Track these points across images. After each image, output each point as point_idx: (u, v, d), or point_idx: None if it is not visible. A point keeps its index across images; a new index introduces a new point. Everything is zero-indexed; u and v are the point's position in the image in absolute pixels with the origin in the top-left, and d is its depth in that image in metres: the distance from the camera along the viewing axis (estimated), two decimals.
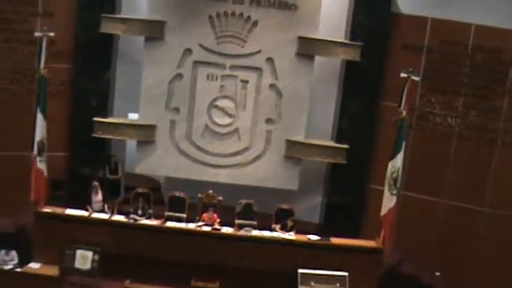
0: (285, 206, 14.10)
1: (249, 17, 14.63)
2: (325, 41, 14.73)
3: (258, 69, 14.84)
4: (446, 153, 14.88)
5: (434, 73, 14.77)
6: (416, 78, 13.42)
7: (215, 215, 13.77)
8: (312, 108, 15.12)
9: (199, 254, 13.50)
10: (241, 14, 14.62)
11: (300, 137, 15.00)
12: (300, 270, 13.26)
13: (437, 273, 14.20)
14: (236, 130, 15.04)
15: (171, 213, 13.84)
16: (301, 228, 14.11)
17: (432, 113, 14.92)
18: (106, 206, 13.78)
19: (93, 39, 14.73)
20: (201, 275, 13.01)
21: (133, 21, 14.72)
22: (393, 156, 13.49)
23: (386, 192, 13.61)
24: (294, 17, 14.66)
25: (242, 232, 13.75)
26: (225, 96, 14.95)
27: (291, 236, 13.79)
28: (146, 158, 15.08)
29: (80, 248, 13.26)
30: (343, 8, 15.14)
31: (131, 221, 13.67)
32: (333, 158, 15.10)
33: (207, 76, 14.86)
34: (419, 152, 14.88)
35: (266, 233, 13.78)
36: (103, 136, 14.94)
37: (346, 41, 14.89)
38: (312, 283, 13.22)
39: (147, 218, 13.74)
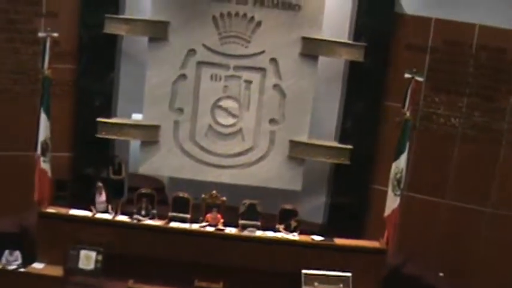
0: (288, 207, 14.11)
1: (252, 18, 14.63)
2: (329, 41, 14.73)
3: (261, 70, 14.84)
4: (450, 153, 14.87)
5: (438, 73, 14.76)
6: (420, 79, 13.44)
7: (219, 216, 13.78)
8: (315, 109, 15.12)
9: (203, 255, 13.51)
10: (244, 15, 14.62)
11: (304, 138, 15.00)
12: (304, 271, 13.25)
13: (441, 274, 14.20)
14: (240, 130, 15.05)
15: (174, 214, 13.86)
16: (305, 228, 14.12)
17: (436, 114, 14.91)
18: (110, 207, 13.78)
19: (96, 40, 14.75)
20: (205, 275, 13.00)
21: (137, 22, 14.74)
22: (397, 156, 13.50)
23: (390, 193, 13.61)
24: (298, 17, 14.66)
25: (246, 232, 13.75)
26: (228, 97, 14.95)
27: (294, 236, 13.79)
28: (150, 158, 15.09)
29: (84, 248, 13.28)
30: (347, 8, 15.13)
31: (135, 221, 13.68)
32: (337, 159, 15.10)
33: (211, 76, 14.86)
34: (423, 153, 14.87)
35: (270, 234, 13.79)
36: (107, 136, 14.96)
37: (350, 42, 14.89)
38: (316, 283, 13.21)
39: (150, 219, 13.75)
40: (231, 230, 13.75)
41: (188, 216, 13.86)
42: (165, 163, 15.11)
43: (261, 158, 15.11)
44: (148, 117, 14.98)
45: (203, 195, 14.01)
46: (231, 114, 14.98)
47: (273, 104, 14.97)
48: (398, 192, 13.48)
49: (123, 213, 13.87)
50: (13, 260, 13.05)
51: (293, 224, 13.88)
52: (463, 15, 14.42)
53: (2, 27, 14.71)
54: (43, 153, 13.53)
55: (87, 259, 13.23)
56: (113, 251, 13.22)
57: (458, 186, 14.82)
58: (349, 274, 13.28)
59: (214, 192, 14.02)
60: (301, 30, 14.68)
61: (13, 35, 14.83)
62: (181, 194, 14.04)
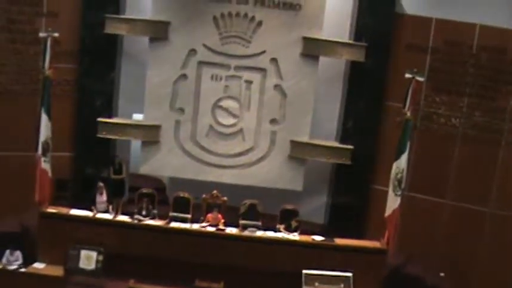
0: (289, 207, 14.11)
1: (253, 18, 14.64)
2: (330, 41, 14.73)
3: (262, 70, 14.84)
4: (450, 153, 14.87)
5: (439, 73, 14.76)
6: (420, 79, 13.44)
7: (219, 216, 13.79)
8: (316, 109, 15.12)
9: (204, 255, 13.52)
10: (245, 15, 14.62)
11: (305, 138, 15.00)
12: (304, 271, 13.27)
13: (442, 274, 14.18)
14: (240, 130, 15.05)
15: (175, 214, 13.88)
16: (306, 228, 14.14)
17: (437, 114, 14.91)
18: (110, 208, 13.79)
19: (97, 40, 14.76)
20: (205, 275, 13.01)
21: (137, 22, 14.74)
22: (398, 156, 13.50)
23: (390, 193, 13.61)
24: (298, 17, 14.66)
25: (246, 232, 13.76)
26: (229, 97, 14.96)
27: (295, 236, 13.80)
28: (151, 158, 15.10)
29: (85, 248, 13.30)
30: (348, 8, 15.13)
31: (135, 221, 13.70)
32: (338, 159, 15.10)
33: (212, 76, 14.87)
34: (423, 153, 14.87)
35: (270, 234, 13.80)
36: (107, 136, 14.97)
37: (351, 42, 14.89)
38: (316, 283, 13.21)
39: (151, 219, 13.77)
40: (231, 230, 13.76)
41: (189, 216, 13.87)
42: (165, 163, 15.12)
43: (262, 158, 15.12)
44: (149, 117, 14.99)
45: (204, 195, 14.02)
46: (232, 114, 14.98)
47: (274, 104, 14.97)
48: (399, 192, 13.48)
49: (123, 213, 13.89)
50: (14, 260, 13.07)
51: (294, 224, 13.89)
52: (464, 15, 14.42)
53: (3, 27, 14.72)
54: (44, 153, 13.55)
55: (88, 259, 13.25)
56: (113, 251, 13.23)
57: (459, 186, 14.82)
58: (349, 274, 13.30)
59: (215, 192, 14.03)
60: (301, 30, 14.68)
61: (14, 35, 14.84)
62: (182, 194, 14.06)
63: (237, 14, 14.63)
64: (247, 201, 14.02)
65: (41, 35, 13.65)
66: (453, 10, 14.44)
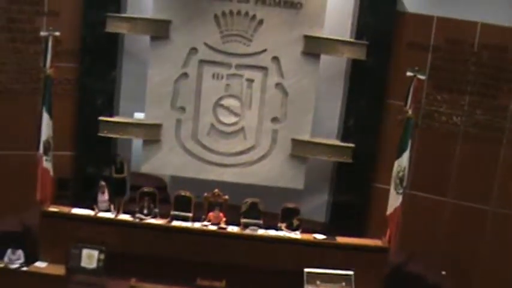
0: (290, 205, 14.12)
1: (254, 16, 14.63)
2: (331, 39, 14.73)
3: (263, 68, 14.84)
4: (452, 151, 14.87)
5: (440, 72, 14.76)
6: (422, 77, 13.44)
7: (221, 214, 13.78)
8: (317, 107, 15.13)
9: (205, 253, 13.52)
10: (246, 13, 14.61)
11: (306, 136, 15.00)
12: (306, 269, 13.26)
13: (443, 272, 14.18)
14: (242, 129, 15.05)
15: (176, 213, 13.89)
16: (307, 227, 14.14)
17: (438, 112, 14.91)
18: (112, 207, 13.79)
19: (99, 39, 14.75)
20: (207, 273, 13.01)
21: (138, 20, 14.74)
22: (399, 155, 13.50)
23: (392, 191, 13.61)
24: (299, 15, 14.65)
25: (248, 231, 13.76)
26: (230, 95, 14.95)
27: (296, 235, 13.80)
28: (152, 157, 15.09)
29: (86, 247, 13.30)
30: (349, 6, 15.14)
31: (137, 220, 13.70)
32: (339, 157, 15.10)
33: (213, 75, 14.87)
34: (425, 151, 14.87)
35: (272, 232, 13.80)
36: (109, 135, 14.96)
37: (352, 40, 14.89)
38: (318, 282, 13.21)
39: (152, 217, 13.77)
40: (233, 229, 13.76)
41: (190, 214, 13.89)
42: (167, 162, 15.11)
43: (263, 157, 15.11)
44: (150, 116, 14.98)
45: (205, 194, 14.04)
46: (233, 112, 14.97)
47: (275, 103, 14.97)
48: (400, 191, 13.48)
49: (125, 212, 13.89)
50: (15, 259, 13.07)
51: (295, 222, 13.89)
52: (465, 14, 14.42)
53: (4, 26, 14.72)
54: (45, 152, 13.53)
55: (90, 258, 13.25)
56: (115, 249, 13.24)
57: (460, 184, 14.82)
58: (351, 272, 13.30)
59: (216, 190, 14.04)
60: (303, 29, 14.67)
61: (15, 34, 14.84)
62: (183, 193, 14.08)
63: (238, 13, 14.62)
64: (249, 200, 14.04)
65: (42, 34, 13.64)
66: (454, 8, 14.44)
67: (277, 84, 14.90)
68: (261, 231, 13.77)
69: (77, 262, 13.24)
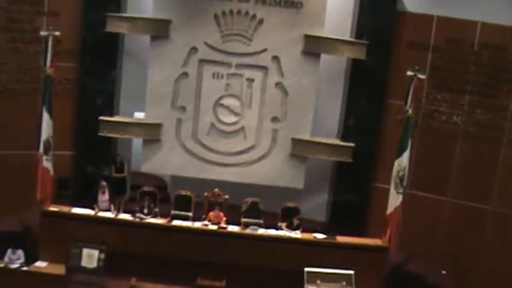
0: (290, 205, 14.11)
1: (254, 16, 14.63)
2: (331, 39, 14.73)
3: (263, 68, 14.84)
4: (452, 151, 14.87)
5: (440, 71, 14.77)
6: (422, 77, 13.44)
7: (221, 214, 13.79)
8: (317, 107, 15.13)
9: (205, 253, 13.52)
10: (246, 13, 14.61)
11: (306, 136, 15.00)
12: (306, 269, 13.25)
13: (444, 272, 14.18)
14: (242, 128, 15.04)
15: (177, 212, 13.89)
16: (307, 226, 14.14)
17: (438, 111, 14.91)
18: (112, 206, 13.78)
19: (99, 38, 14.75)
20: (207, 273, 13.01)
21: (138, 20, 14.74)
22: (399, 154, 13.50)
23: (392, 191, 13.61)
24: (300, 15, 14.65)
25: (248, 230, 13.76)
26: (230, 95, 14.95)
27: (297, 234, 13.80)
28: (152, 156, 15.09)
29: (86, 247, 13.29)
30: (349, 6, 15.14)
31: (137, 219, 13.70)
32: (339, 157, 15.09)
33: (213, 74, 14.86)
34: (425, 150, 14.87)
35: (272, 232, 13.80)
36: (109, 135, 14.96)
37: (352, 40, 14.88)
38: (318, 281, 13.20)
39: (153, 217, 13.76)
40: (233, 228, 13.76)
41: (190, 214, 13.89)
42: (167, 161, 15.11)
43: (263, 156, 15.11)
44: (150, 115, 14.98)
45: (205, 194, 14.03)
46: (233, 112, 14.97)
47: (275, 102, 14.96)
48: (400, 190, 13.48)
49: (125, 212, 13.89)
50: (16, 259, 13.06)
51: (295, 222, 13.89)
52: (465, 13, 14.42)
53: (4, 26, 14.72)
54: (45, 152, 13.53)
55: (90, 257, 13.25)
56: (115, 249, 13.24)
57: (461, 184, 14.82)
58: (351, 272, 13.29)
59: (216, 190, 14.04)
60: (303, 28, 14.67)
61: (15, 34, 14.84)
62: (183, 192, 14.08)
63: (238, 12, 14.62)
64: (249, 199, 14.04)
65: (42, 33, 13.64)
66: (454, 8, 14.44)
67: (277, 84, 14.90)
68: (261, 231, 13.77)
69: (77, 262, 13.24)
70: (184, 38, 14.70)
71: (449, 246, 14.82)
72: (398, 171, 13.47)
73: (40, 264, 13.27)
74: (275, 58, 14.78)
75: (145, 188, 14.03)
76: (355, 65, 14.97)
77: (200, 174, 15.03)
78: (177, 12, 14.62)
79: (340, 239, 13.86)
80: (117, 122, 15.00)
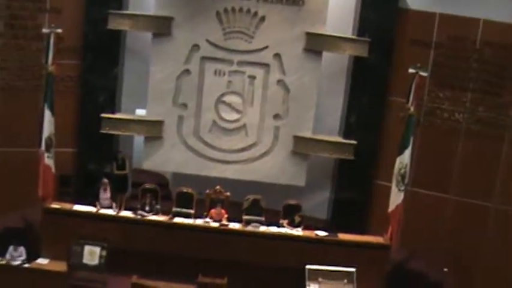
0: (292, 202, 14.10)
1: (256, 13, 14.62)
2: (333, 36, 14.72)
3: (265, 65, 14.83)
4: (454, 148, 14.85)
5: (442, 69, 14.74)
6: (424, 74, 13.42)
7: (223, 211, 13.79)
8: (319, 104, 15.13)
9: (207, 250, 13.52)
10: (248, 10, 14.61)
11: (308, 133, 15.00)
12: (308, 266, 13.24)
13: (445, 269, 14.17)
14: (244, 126, 15.05)
15: (178, 209, 13.88)
16: (309, 224, 14.14)
17: (440, 109, 14.89)
18: (114, 204, 13.79)
19: (101, 36, 14.77)
20: (209, 270, 12.99)
21: (140, 17, 14.75)
22: (401, 151, 13.48)
23: (394, 188, 13.60)
24: (301, 12, 14.64)
25: (250, 228, 13.75)
26: (232, 92, 14.95)
27: (298, 231, 13.79)
28: (154, 153, 15.10)
29: (88, 244, 13.29)
30: (351, 3, 15.14)
31: (139, 216, 13.70)
32: (341, 154, 15.10)
33: (215, 72, 14.86)
34: (427, 148, 14.85)
35: (274, 229, 13.79)
36: (110, 132, 14.99)
37: (354, 37, 14.88)
38: (320, 279, 13.20)
39: (154, 214, 13.77)
40: (234, 226, 13.76)
41: (192, 211, 13.87)
42: (169, 158, 15.12)
43: (265, 154, 15.12)
44: (152, 112, 14.99)
45: (207, 191, 14.02)
46: (235, 109, 14.98)
47: (277, 100, 14.96)
48: (402, 188, 13.47)
49: (127, 209, 13.90)
50: (17, 256, 13.07)
51: (297, 219, 13.88)
52: (467, 10, 14.40)
53: (6, 23, 14.73)
54: (47, 149, 13.54)
55: (91, 254, 13.25)
56: (116, 246, 13.23)
57: (463, 181, 14.80)
58: (353, 269, 13.27)
59: (218, 187, 14.03)
60: (305, 26, 14.66)
61: (17, 31, 14.86)
62: (185, 190, 14.06)
63: (240, 10, 14.62)
64: (251, 197, 14.02)
65: (44, 31, 13.65)
66: (457, 5, 14.42)
67: (279, 81, 14.90)
68: (262, 228, 13.76)
69: (79, 259, 13.24)
70: (186, 35, 14.70)
71: (451, 243, 14.81)
72: (400, 169, 13.46)
73: (42, 261, 13.27)
74: (277, 55, 14.78)
75: (147, 185, 14.02)
76: (357, 63, 14.96)
77: (202, 172, 15.04)
78: (179, 10, 14.62)
79: (342, 236, 13.85)
80: (119, 119, 15.02)
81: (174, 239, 13.54)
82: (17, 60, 14.91)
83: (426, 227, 14.85)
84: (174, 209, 13.86)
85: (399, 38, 14.80)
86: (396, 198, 13.52)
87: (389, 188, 13.76)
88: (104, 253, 13.23)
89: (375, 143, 15.09)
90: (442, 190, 14.94)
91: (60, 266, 13.08)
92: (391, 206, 13.59)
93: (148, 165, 15.28)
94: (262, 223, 13.83)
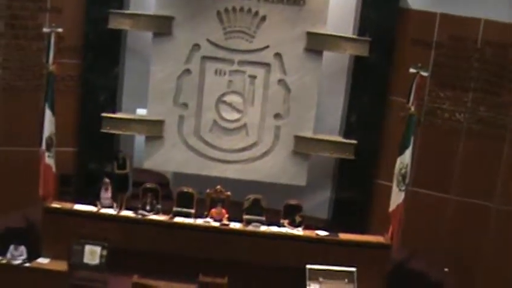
0: (293, 202, 14.11)
1: (257, 12, 14.62)
2: (334, 36, 14.73)
3: (266, 65, 14.83)
4: (454, 148, 14.84)
5: (443, 68, 14.74)
6: (425, 74, 13.41)
7: (223, 211, 13.79)
8: (320, 104, 15.12)
9: (207, 249, 13.52)
10: (249, 10, 14.61)
11: (308, 133, 14.99)
12: (308, 266, 13.23)
13: (446, 269, 14.16)
14: (244, 125, 15.05)
15: (179, 209, 13.88)
16: (309, 223, 14.14)
17: (441, 109, 14.88)
18: (115, 204, 13.79)
19: (101, 35, 14.78)
20: (209, 270, 12.98)
21: (141, 17, 14.75)
22: (401, 151, 13.48)
23: (394, 188, 13.60)
24: (302, 12, 14.65)
25: (250, 227, 13.75)
26: (233, 92, 14.95)
27: (299, 231, 13.79)
28: (154, 153, 15.10)
29: (89, 243, 13.28)
30: (351, 3, 15.14)
31: (139, 216, 13.70)
32: (341, 154, 15.10)
33: (215, 71, 14.86)
34: (427, 148, 14.85)
35: (274, 229, 13.79)
36: (111, 131, 14.99)
37: (355, 37, 14.88)
38: (320, 278, 13.19)
39: (155, 214, 13.77)
40: (235, 225, 13.77)
41: (192, 211, 13.88)
42: (169, 158, 15.12)
43: (266, 153, 15.11)
44: (152, 112, 14.99)
45: (207, 190, 14.02)
46: (236, 109, 14.97)
47: (278, 99, 14.96)
48: (403, 187, 13.47)
49: (127, 208, 13.90)
50: (18, 255, 13.07)
51: (297, 219, 13.88)
52: (468, 10, 14.40)
53: (7, 23, 14.73)
54: (48, 149, 13.54)
55: (92, 254, 13.24)
56: (117, 245, 13.23)
57: (463, 181, 14.80)
58: (353, 269, 13.26)
59: (218, 187, 14.03)
60: (305, 25, 14.66)
61: (17, 31, 14.87)
62: (185, 189, 14.07)
63: (241, 9, 14.62)
64: (251, 196, 14.02)
65: (45, 30, 13.65)
66: (457, 5, 14.42)
67: (280, 81, 14.90)
68: (263, 228, 13.76)
69: (80, 258, 13.23)
70: (187, 34, 14.71)
71: (452, 243, 14.80)
72: (401, 169, 13.46)
73: (42, 260, 13.27)
74: (277, 55, 14.78)
75: (148, 185, 14.02)
76: (357, 62, 14.96)
77: (202, 171, 15.04)
78: (180, 9, 14.62)
79: (343, 236, 13.85)
80: (120, 119, 15.02)
81: (174, 239, 13.55)
82: (18, 60, 14.91)
83: (427, 226, 14.84)
84: (175, 209, 13.87)
85: (400, 38, 14.80)
86: (397, 198, 13.53)
87: (390, 187, 13.76)
88: (105, 252, 13.22)
89: (375, 142, 15.09)
90: (443, 190, 14.93)
91: (61, 266, 13.07)
92: (392, 206, 13.60)
93: (149, 164, 15.28)
94: (262, 223, 13.83)
